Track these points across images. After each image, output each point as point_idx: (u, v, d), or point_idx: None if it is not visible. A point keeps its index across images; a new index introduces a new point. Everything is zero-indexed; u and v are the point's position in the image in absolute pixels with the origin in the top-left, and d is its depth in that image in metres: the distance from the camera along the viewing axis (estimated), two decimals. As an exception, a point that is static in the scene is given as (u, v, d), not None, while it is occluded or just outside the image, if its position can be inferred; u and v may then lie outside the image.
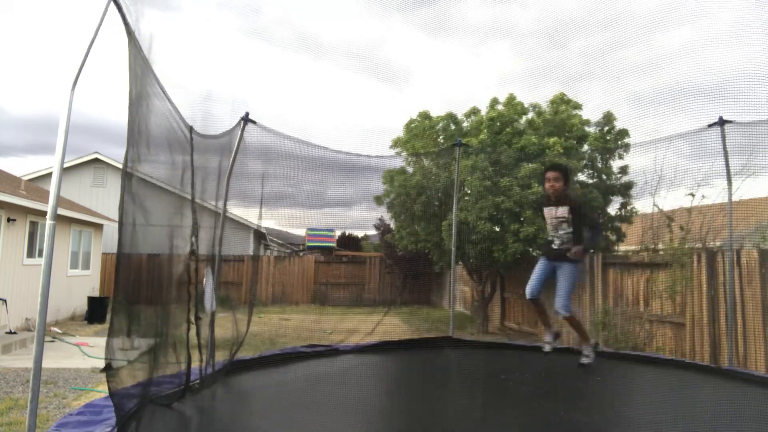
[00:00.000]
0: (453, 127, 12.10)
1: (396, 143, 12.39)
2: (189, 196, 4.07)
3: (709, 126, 5.72)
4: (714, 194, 7.01)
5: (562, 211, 4.62)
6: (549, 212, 4.76)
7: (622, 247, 11.16)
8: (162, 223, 3.60)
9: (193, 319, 3.94)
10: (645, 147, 6.93)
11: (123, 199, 2.70)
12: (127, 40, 2.72)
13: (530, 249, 10.23)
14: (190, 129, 4.19)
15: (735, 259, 6.55)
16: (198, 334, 4.04)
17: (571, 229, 4.62)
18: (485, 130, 10.93)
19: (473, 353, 6.50)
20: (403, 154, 12.07)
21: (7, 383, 6.50)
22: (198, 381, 4.11)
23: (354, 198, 6.91)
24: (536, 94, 11.53)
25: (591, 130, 11.01)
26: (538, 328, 10.18)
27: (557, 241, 4.69)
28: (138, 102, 2.81)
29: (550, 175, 4.69)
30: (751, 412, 4.02)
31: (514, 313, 13.22)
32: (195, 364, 4.03)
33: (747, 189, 6.32)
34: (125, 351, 3.04)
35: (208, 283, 5.18)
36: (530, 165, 10.09)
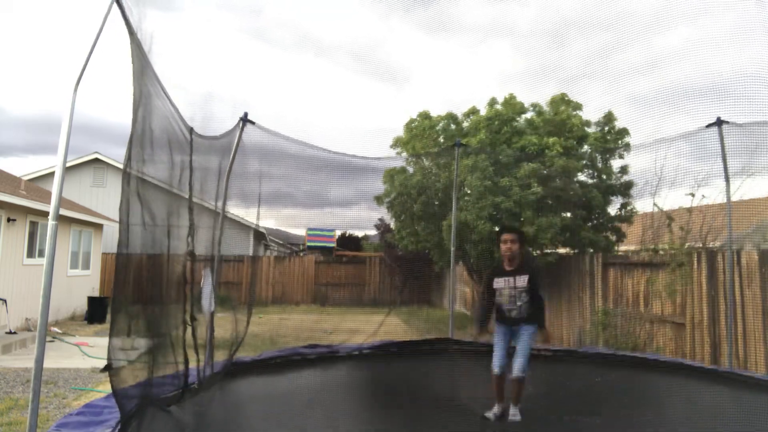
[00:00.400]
0: (453, 127, 12.10)
1: (396, 143, 12.39)
2: (187, 197, 4.08)
3: (707, 126, 5.74)
4: (714, 194, 7.01)
5: (522, 280, 4.42)
6: (507, 282, 4.49)
7: (622, 247, 11.15)
8: (161, 223, 3.61)
9: (189, 320, 3.94)
10: (645, 147, 6.95)
11: (123, 199, 2.71)
12: (129, 40, 2.72)
13: (530, 249, 10.22)
14: (191, 130, 4.20)
15: (735, 259, 6.55)
16: (194, 335, 4.04)
17: (528, 298, 4.42)
18: (483, 130, 10.93)
19: (473, 354, 6.50)
20: (403, 154, 12.06)
21: (7, 383, 6.50)
22: (196, 382, 4.12)
23: (354, 198, 6.91)
24: (536, 94, 11.52)
25: (591, 130, 11.01)
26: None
27: (515, 312, 4.45)
28: (139, 102, 2.81)
29: (506, 237, 4.53)
30: (750, 412, 4.03)
31: (514, 313, 13.18)
32: (193, 365, 4.04)
33: (747, 189, 6.33)
34: (126, 351, 3.04)
35: (206, 283, 5.18)
36: (530, 165, 10.09)
